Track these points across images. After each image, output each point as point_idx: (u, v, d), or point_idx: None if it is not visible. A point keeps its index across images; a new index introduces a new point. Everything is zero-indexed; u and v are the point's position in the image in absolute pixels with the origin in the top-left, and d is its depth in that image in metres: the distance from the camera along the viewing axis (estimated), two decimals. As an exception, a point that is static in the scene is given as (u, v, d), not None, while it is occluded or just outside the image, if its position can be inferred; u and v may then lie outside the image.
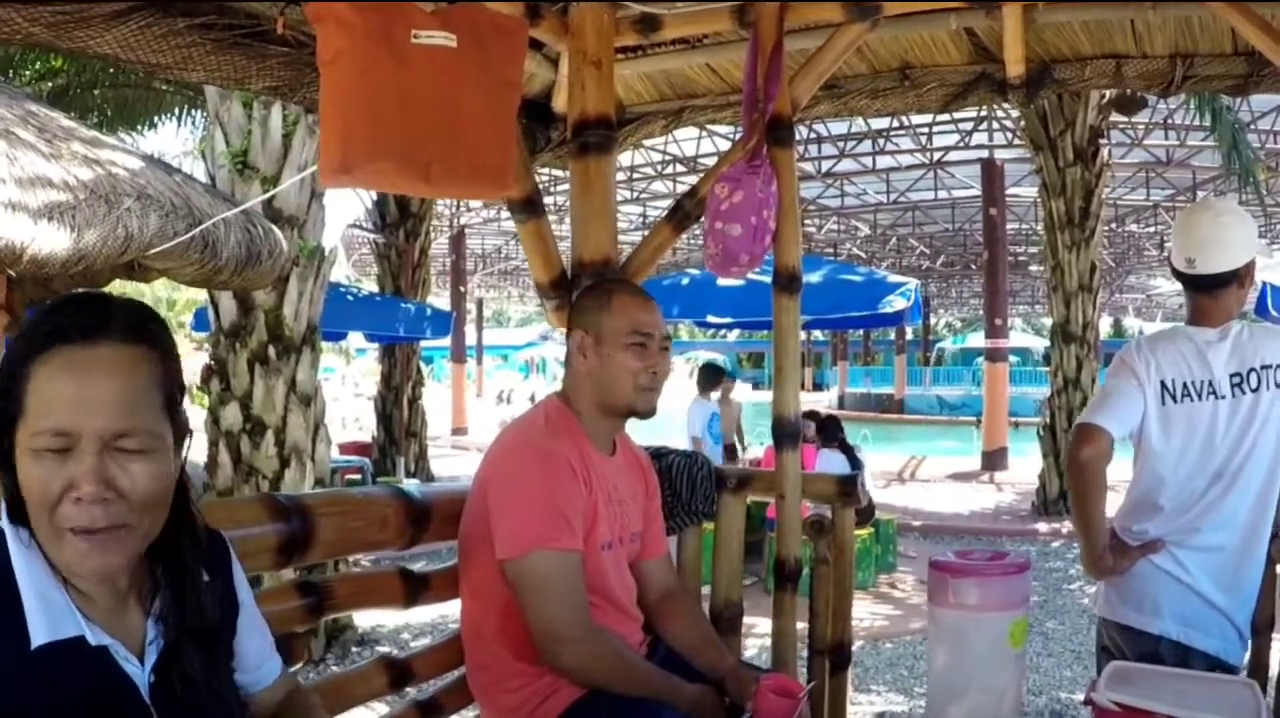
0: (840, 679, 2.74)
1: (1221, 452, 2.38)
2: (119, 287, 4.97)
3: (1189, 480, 2.41)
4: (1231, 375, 2.37)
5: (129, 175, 3.29)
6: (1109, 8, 2.69)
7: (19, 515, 1.10)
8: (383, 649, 5.73)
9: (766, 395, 3.02)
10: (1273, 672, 2.60)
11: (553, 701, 1.99)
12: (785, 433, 2.61)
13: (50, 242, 2.87)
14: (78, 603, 1.12)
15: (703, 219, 2.62)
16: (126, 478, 1.09)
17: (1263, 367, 2.36)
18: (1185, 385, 2.41)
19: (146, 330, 1.13)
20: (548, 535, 1.94)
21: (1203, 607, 2.35)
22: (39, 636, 1.07)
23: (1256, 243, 2.45)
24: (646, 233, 3.07)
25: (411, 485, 2.71)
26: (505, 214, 17.18)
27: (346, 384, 34.07)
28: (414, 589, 2.18)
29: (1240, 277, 2.42)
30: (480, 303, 36.20)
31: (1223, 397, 2.38)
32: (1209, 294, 2.43)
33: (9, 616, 1.05)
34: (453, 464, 15.07)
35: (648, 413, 2.15)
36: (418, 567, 2.31)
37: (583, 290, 2.41)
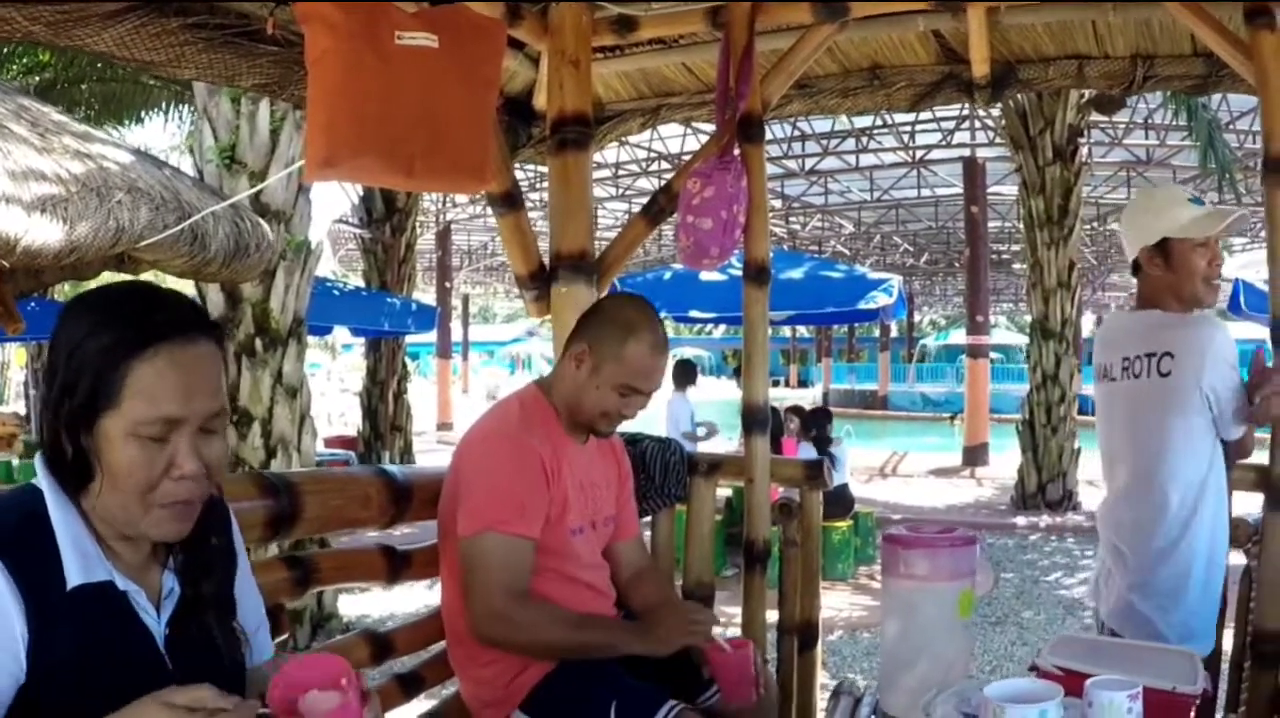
0: (808, 657, 2.85)
1: (1113, 434, 2.49)
2: (109, 278, 5.02)
3: (1101, 459, 2.55)
4: (1123, 359, 2.44)
5: (120, 169, 3.34)
6: (1069, 9, 2.78)
7: (69, 481, 1.21)
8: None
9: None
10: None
11: (525, 675, 2.08)
12: (755, 419, 2.71)
13: (43, 233, 2.93)
14: (108, 557, 1.24)
15: (676, 213, 2.71)
16: (210, 454, 1.24)
17: (1147, 353, 2.38)
18: (1100, 368, 2.55)
19: (215, 325, 1.29)
20: (501, 519, 2.01)
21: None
22: (74, 577, 1.18)
23: (1150, 228, 2.42)
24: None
25: (394, 467, 2.79)
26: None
27: (332, 380, 34.02)
28: (396, 566, 2.26)
29: (1139, 263, 2.46)
30: (466, 299, 36.15)
31: (1113, 379, 2.47)
32: (1138, 278, 2.53)
33: (48, 559, 1.17)
34: (438, 459, 15.02)
35: (605, 436, 2.27)
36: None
37: (611, 301, 2.43)
